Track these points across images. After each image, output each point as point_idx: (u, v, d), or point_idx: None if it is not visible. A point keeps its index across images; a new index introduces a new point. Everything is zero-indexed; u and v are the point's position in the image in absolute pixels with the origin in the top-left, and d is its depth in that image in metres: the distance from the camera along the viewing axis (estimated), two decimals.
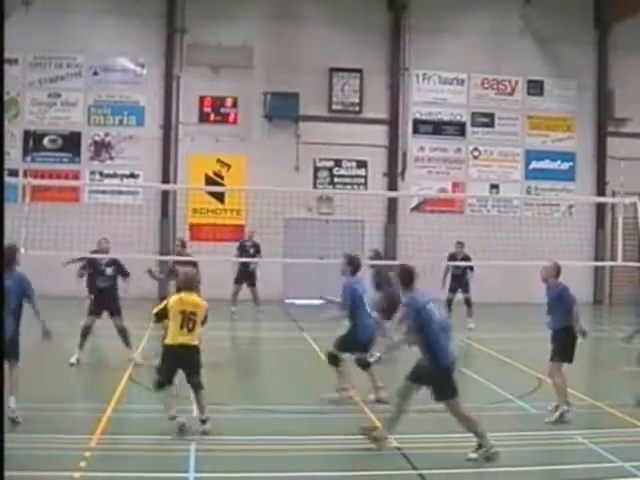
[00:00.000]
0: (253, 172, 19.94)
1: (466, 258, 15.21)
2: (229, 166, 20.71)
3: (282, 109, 20.65)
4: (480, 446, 6.32)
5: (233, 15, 20.44)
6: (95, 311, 10.30)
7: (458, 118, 21.67)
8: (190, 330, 6.83)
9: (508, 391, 9.00)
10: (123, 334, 10.25)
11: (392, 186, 21.24)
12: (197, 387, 6.91)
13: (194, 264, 11.45)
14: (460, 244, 15.48)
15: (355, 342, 8.39)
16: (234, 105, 20.72)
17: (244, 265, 16.37)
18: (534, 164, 22.07)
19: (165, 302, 7.16)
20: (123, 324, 10.31)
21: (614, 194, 19.73)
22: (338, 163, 21.27)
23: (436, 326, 6.50)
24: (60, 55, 20.03)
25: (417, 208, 21.47)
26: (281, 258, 18.82)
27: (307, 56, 20.69)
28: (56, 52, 19.98)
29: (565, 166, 22.20)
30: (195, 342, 6.90)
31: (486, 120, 21.79)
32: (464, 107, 21.74)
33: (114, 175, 20.28)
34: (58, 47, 19.84)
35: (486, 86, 21.81)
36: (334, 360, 8.49)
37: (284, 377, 10.69)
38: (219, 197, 20.42)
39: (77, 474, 5.64)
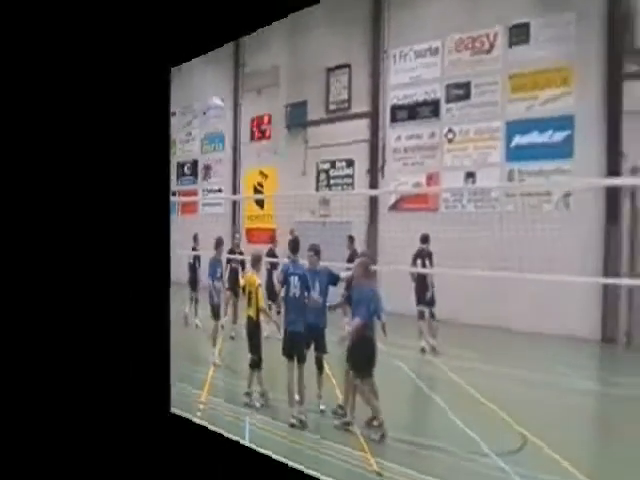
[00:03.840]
0: (282, 180, 21.98)
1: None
2: (267, 176, 23.14)
3: (296, 118, 21.70)
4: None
5: (264, 40, 22.74)
6: None
7: (432, 96, 17.77)
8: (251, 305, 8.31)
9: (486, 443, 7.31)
10: None
11: (373, 183, 19.31)
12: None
13: None
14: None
15: None
16: (269, 122, 22.96)
17: None
18: (517, 139, 15.97)
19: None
20: None
21: (634, 171, 13.76)
22: (333, 164, 20.68)
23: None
24: None
25: (394, 207, 18.78)
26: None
27: (310, 60, 21.09)
28: None
29: (559, 137, 15.21)
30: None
31: (460, 92, 17.08)
32: (438, 81, 17.65)
33: (211, 190, 25.61)
34: None
35: (460, 48, 17.11)
36: None
37: (284, 377, 9.39)
38: (260, 204, 23.19)
39: None
